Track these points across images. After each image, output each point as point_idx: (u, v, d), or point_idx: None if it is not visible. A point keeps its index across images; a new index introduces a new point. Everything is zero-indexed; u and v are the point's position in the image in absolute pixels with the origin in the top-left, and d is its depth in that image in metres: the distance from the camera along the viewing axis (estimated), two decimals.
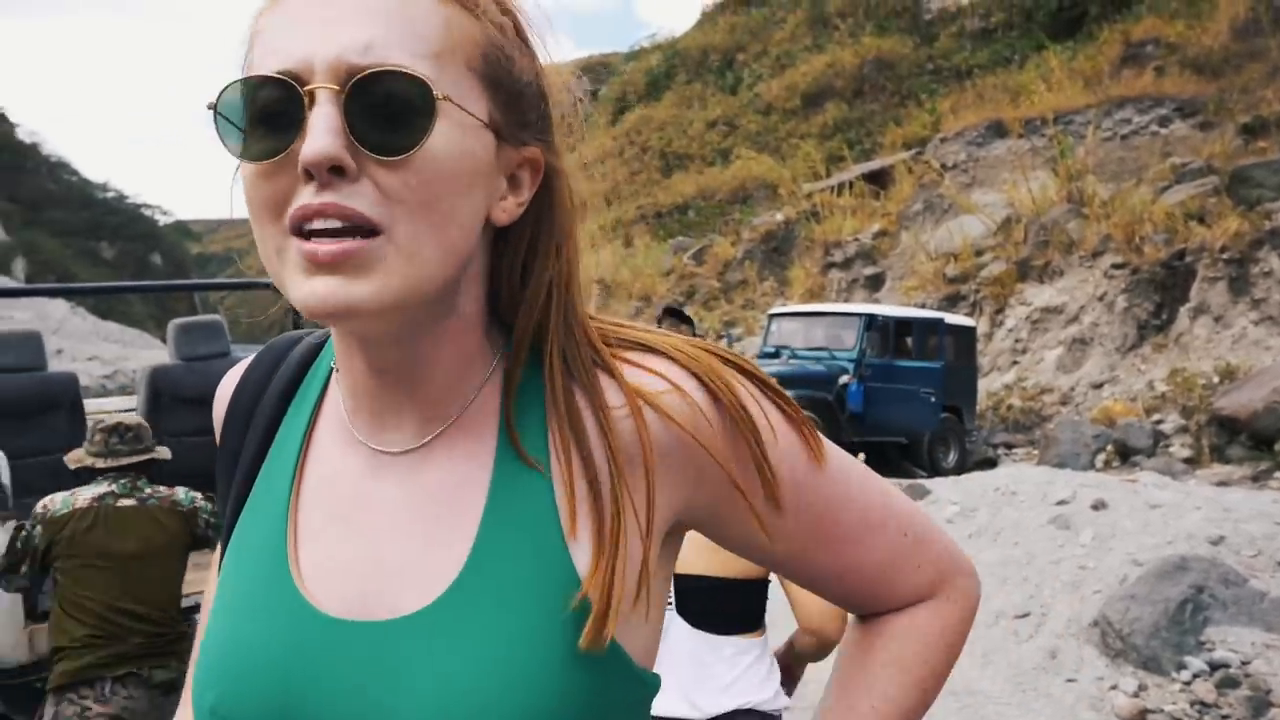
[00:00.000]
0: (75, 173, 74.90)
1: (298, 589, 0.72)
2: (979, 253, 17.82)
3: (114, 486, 3.48)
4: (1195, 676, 4.70)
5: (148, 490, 3.54)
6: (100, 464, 3.49)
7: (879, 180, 22.43)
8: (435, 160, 0.62)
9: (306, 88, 0.61)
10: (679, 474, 0.72)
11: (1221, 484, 9.14)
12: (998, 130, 20.13)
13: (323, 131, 0.60)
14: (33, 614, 4.03)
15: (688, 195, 30.31)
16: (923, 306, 16.16)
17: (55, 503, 3.42)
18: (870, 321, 11.68)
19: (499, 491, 0.71)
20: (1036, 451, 12.18)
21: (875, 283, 19.81)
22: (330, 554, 0.73)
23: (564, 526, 0.69)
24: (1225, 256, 13.83)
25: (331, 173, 0.60)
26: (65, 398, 5.26)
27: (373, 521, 0.73)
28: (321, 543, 0.74)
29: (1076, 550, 6.06)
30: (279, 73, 0.62)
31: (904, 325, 12.12)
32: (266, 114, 0.63)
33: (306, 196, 0.61)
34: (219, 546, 0.85)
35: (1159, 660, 4.81)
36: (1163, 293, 14.48)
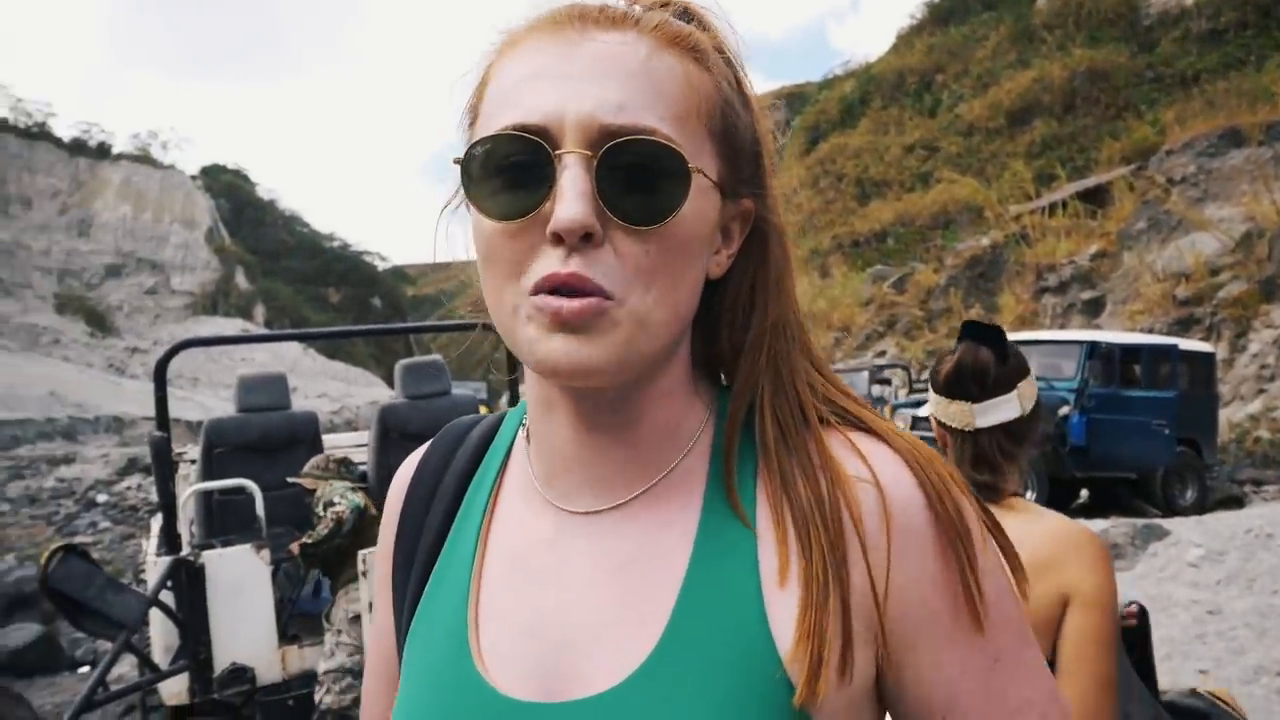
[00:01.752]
0: (306, 225, 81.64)
1: (479, 673, 0.69)
2: (1215, 272, 16.48)
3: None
4: None
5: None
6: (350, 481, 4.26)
7: (1095, 198, 21.23)
8: (680, 229, 0.63)
9: (559, 151, 0.61)
10: (881, 561, 0.66)
11: None
12: (1234, 139, 18.61)
13: (575, 198, 0.59)
14: (284, 635, 4.34)
15: (886, 222, 29.74)
16: (1150, 331, 15.13)
17: (354, 499, 4.17)
18: (1092, 349, 11.05)
19: (702, 558, 0.67)
20: None
21: (1094, 308, 18.70)
22: (514, 630, 0.71)
23: (767, 588, 0.65)
24: None
25: (581, 239, 0.61)
26: (307, 434, 5.56)
27: (560, 592, 0.70)
28: (505, 618, 0.72)
29: None
30: (528, 129, 0.61)
31: (1131, 352, 11.40)
32: (515, 172, 0.62)
33: (554, 263, 0.61)
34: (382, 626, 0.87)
35: None
36: None
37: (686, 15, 0.70)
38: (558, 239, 0.61)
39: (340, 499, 3.98)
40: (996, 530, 0.71)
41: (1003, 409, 1.68)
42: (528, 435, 0.78)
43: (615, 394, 0.69)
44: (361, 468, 4.69)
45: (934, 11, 38.81)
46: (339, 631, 3.93)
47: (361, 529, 4.01)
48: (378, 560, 0.86)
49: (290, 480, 4.25)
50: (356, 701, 3.81)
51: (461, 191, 0.67)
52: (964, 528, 0.66)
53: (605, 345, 0.62)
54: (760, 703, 0.62)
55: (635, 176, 0.61)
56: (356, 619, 3.84)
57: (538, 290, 0.61)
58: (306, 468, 4.40)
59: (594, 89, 0.61)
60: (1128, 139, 22.97)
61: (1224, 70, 23.46)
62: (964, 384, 1.69)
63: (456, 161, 0.66)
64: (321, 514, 4.05)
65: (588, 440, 0.71)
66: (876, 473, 0.67)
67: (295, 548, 4.07)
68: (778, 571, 0.65)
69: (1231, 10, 25.62)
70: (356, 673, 3.83)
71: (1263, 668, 5.11)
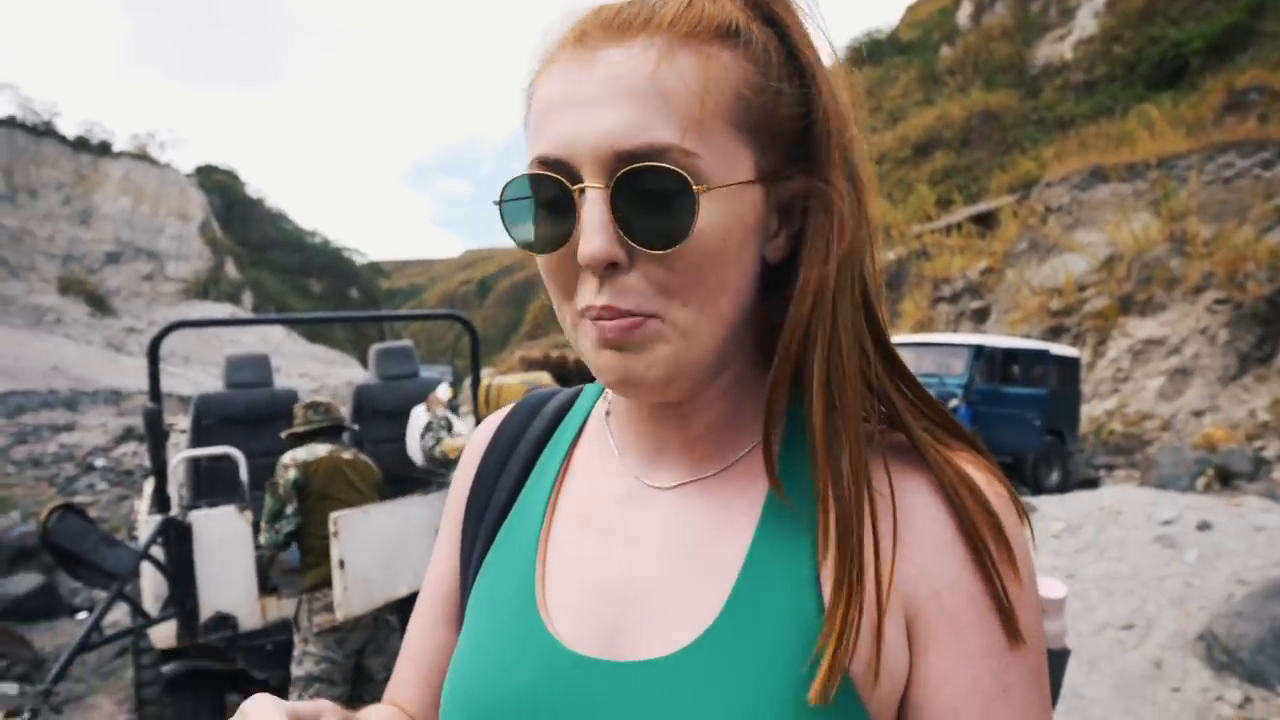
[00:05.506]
0: (291, 222, 79.95)
1: (543, 622, 0.65)
2: (1082, 288, 16.97)
3: (332, 446, 3.93)
4: None
5: (355, 450, 4.05)
6: (302, 429, 3.96)
7: (985, 222, 21.67)
8: (702, 243, 0.57)
9: (576, 186, 0.57)
10: (916, 562, 0.60)
11: None
12: (1100, 175, 19.13)
13: (594, 232, 0.56)
14: (264, 587, 4.30)
15: None
16: (1027, 337, 15.53)
17: (300, 454, 3.83)
18: (979, 351, 11.33)
19: (764, 539, 0.62)
20: (1137, 473, 11.51)
21: (981, 316, 19.13)
22: (580, 586, 0.66)
23: (823, 575, 0.59)
24: None
25: (607, 268, 0.57)
26: (288, 409, 5.37)
27: (629, 553, 0.66)
28: (572, 574, 0.67)
29: (1181, 568, 5.74)
30: (548, 164, 0.58)
31: (1011, 355, 11.70)
32: (544, 207, 0.59)
33: (589, 296, 0.59)
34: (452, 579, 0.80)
35: (1265, 675, 4.52)
36: (1265, 327, 13.44)
37: None
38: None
39: (264, 528, 3.75)
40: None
41: None
42: (607, 408, 0.75)
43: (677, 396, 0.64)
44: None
45: (853, 54, 38.84)
46: (305, 640, 3.72)
47: (313, 507, 3.77)
48: (449, 506, 0.81)
49: (282, 435, 4.08)
50: None
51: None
52: (988, 548, 0.59)
53: (650, 360, 0.59)
54: (810, 684, 0.56)
55: (649, 202, 0.56)
56: (322, 632, 3.65)
57: (584, 314, 0.60)
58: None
59: (605, 115, 0.56)
60: (1014, 171, 23.45)
61: (1095, 116, 24.07)
62: None
63: (496, 202, 0.62)
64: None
65: (660, 425, 0.68)
66: (899, 485, 0.61)
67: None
68: (824, 547, 0.59)
69: (1103, 65, 26.32)
70: (323, 679, 3.69)
71: (1108, 623, 5.31)
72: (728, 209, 0.57)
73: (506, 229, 0.62)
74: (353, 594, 3.60)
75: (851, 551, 0.57)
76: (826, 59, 0.62)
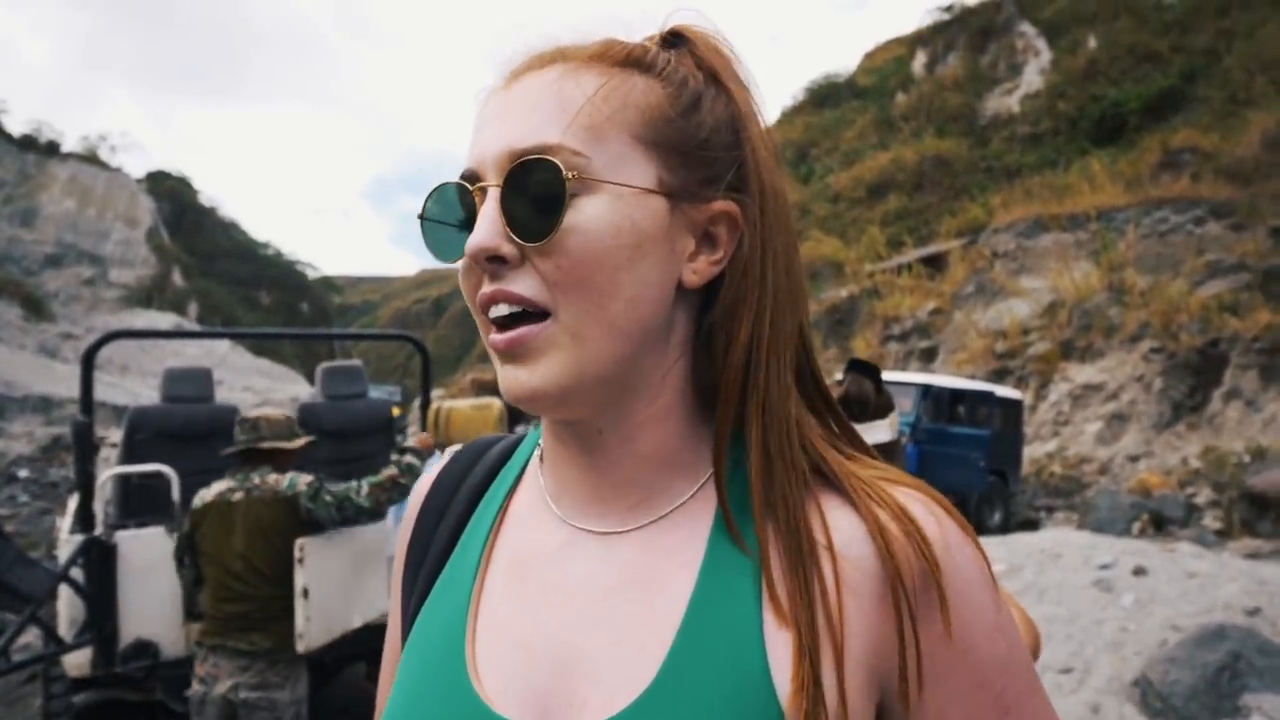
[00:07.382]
0: (244, 233, 78.12)
1: (473, 687, 0.60)
2: (1025, 332, 17.38)
3: (232, 482, 3.36)
4: None
5: (256, 480, 3.35)
6: (228, 450, 3.45)
7: (935, 264, 22.15)
8: (584, 238, 0.56)
9: (475, 185, 0.59)
10: (877, 620, 0.57)
11: (1251, 556, 8.65)
12: (1043, 224, 19.71)
13: (480, 225, 0.57)
14: (191, 613, 4.00)
15: None
16: (972, 379, 15.81)
17: (196, 499, 3.39)
18: (926, 391, 11.48)
19: (704, 593, 0.58)
20: (1075, 515, 11.72)
21: (929, 355, 19.46)
22: (512, 643, 0.62)
23: (769, 630, 0.56)
24: (1257, 346, 13.24)
25: (495, 262, 0.57)
26: (228, 425, 5.09)
27: (563, 608, 0.62)
28: (504, 631, 0.63)
29: (1118, 612, 5.81)
30: (461, 177, 0.60)
31: (957, 395, 11.88)
32: (454, 217, 0.61)
33: (484, 286, 0.58)
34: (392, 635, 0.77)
35: None
36: (1197, 376, 13.89)
37: (673, 37, 0.65)
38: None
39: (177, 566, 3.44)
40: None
41: (878, 432, 1.70)
42: (542, 454, 0.71)
43: (595, 421, 0.62)
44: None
45: (812, 95, 39.99)
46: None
47: (202, 566, 3.38)
48: (397, 554, 0.78)
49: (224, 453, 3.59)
50: None
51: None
52: (925, 593, 0.56)
53: (541, 368, 0.57)
54: None
55: (532, 196, 0.56)
56: (199, 702, 3.30)
57: (481, 312, 0.59)
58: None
59: (509, 124, 0.58)
60: (963, 216, 24.04)
61: (1039, 168, 24.85)
62: (849, 409, 1.70)
63: (420, 217, 0.62)
64: None
65: (589, 463, 0.64)
66: (835, 537, 0.58)
67: None
68: (777, 616, 0.56)
69: (1048, 120, 27.24)
70: None
71: (1048, 665, 5.33)
72: (618, 210, 0.57)
73: (425, 242, 0.62)
74: (315, 625, 3.36)
75: (803, 613, 0.55)
76: (756, 104, 0.64)
